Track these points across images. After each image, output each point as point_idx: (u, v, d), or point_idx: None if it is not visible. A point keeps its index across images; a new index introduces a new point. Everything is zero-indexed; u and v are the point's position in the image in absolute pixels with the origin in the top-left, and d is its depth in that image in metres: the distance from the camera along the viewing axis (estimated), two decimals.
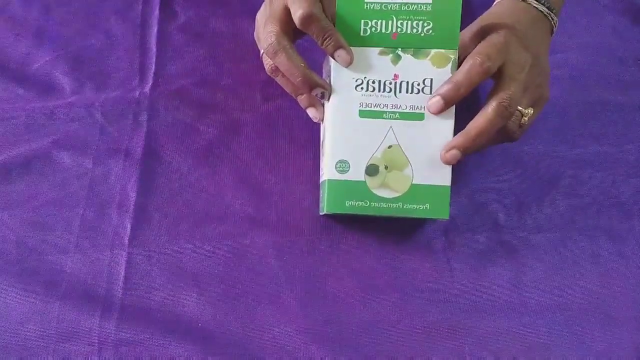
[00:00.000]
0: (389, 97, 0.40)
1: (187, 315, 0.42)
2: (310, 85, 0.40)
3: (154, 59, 0.53)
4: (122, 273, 0.44)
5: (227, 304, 0.43)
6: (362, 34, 0.39)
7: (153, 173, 0.48)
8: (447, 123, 0.40)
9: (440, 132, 0.40)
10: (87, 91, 0.51)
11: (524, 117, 0.41)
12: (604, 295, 0.43)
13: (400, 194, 0.40)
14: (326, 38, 0.39)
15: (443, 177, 0.40)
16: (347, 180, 0.40)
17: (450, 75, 0.39)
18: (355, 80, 0.40)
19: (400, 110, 0.40)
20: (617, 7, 0.56)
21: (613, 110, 0.51)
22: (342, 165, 0.40)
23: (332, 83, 0.40)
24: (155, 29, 0.54)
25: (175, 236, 0.45)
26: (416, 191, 0.40)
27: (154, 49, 0.53)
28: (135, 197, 0.46)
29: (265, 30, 0.40)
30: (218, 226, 0.45)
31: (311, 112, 0.43)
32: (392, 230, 0.45)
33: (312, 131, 0.49)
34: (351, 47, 0.39)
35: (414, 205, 0.40)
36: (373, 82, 0.40)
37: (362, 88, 0.40)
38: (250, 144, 0.49)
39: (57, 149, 0.49)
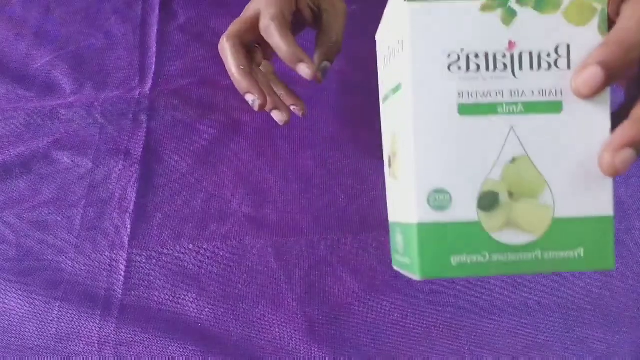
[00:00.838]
0: (504, 78, 0.26)
1: (187, 315, 0.42)
2: (241, 89, 0.39)
3: (154, 59, 0.53)
4: (122, 273, 0.44)
5: (227, 304, 0.43)
6: None
7: (153, 173, 0.48)
8: (601, 113, 0.26)
9: (591, 129, 0.26)
10: (87, 91, 0.51)
11: None
12: (604, 295, 0.43)
13: (537, 237, 0.26)
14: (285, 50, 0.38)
15: (601, 201, 0.26)
16: (449, 223, 0.25)
17: (600, 36, 0.25)
18: (447, 55, 0.25)
19: (523, 99, 0.26)
20: None
21: (613, 110, 0.51)
22: (439, 198, 0.25)
23: (409, 63, 0.25)
24: (155, 29, 0.54)
25: (175, 236, 0.45)
26: (560, 230, 0.26)
27: (154, 49, 0.53)
28: (135, 197, 0.46)
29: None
30: (218, 226, 0.45)
31: (275, 116, 0.41)
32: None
33: (312, 131, 0.49)
34: (435, 2, 0.25)
35: (560, 253, 0.26)
36: (476, 57, 0.25)
37: (459, 68, 0.25)
38: (250, 144, 0.49)
39: (57, 149, 0.49)
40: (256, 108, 0.38)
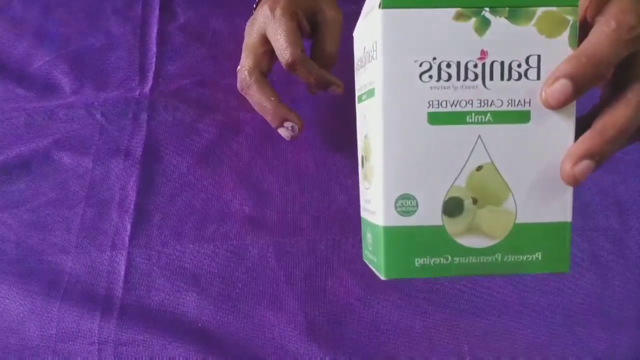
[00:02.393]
0: (474, 88, 0.26)
1: (187, 315, 0.42)
2: (280, 119, 0.41)
3: (154, 59, 0.53)
4: (122, 273, 0.44)
5: (227, 304, 0.43)
6: None
7: (153, 173, 0.48)
8: (566, 123, 0.26)
9: (556, 138, 0.26)
10: (87, 91, 0.51)
11: None
12: (604, 295, 0.43)
13: (498, 241, 0.27)
14: (314, 80, 0.39)
15: (561, 208, 0.27)
16: (414, 227, 0.26)
17: (570, 49, 0.26)
18: (419, 64, 0.26)
19: (492, 108, 0.26)
20: None
21: None
22: (406, 204, 0.26)
23: (381, 70, 0.26)
24: (155, 29, 0.54)
25: (176, 236, 0.45)
26: (520, 235, 0.26)
27: (154, 49, 0.53)
28: (135, 197, 0.46)
29: (241, 61, 0.42)
30: (218, 226, 0.45)
31: (282, 132, 0.42)
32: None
33: (312, 131, 0.49)
34: (409, 9, 0.25)
35: (519, 257, 0.27)
36: (448, 66, 0.26)
37: (430, 77, 0.26)
38: (250, 144, 0.49)
39: (57, 149, 0.49)
40: (295, 133, 0.39)
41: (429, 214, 0.26)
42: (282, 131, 0.42)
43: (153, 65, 0.52)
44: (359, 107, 0.31)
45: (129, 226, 0.45)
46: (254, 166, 0.48)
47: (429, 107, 0.26)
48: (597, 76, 0.25)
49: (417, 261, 0.26)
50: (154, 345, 0.41)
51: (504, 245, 0.27)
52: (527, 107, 0.26)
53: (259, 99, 0.41)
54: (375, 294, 0.43)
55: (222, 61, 0.53)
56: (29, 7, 0.56)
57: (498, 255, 0.27)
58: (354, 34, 0.32)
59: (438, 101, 0.26)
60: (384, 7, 0.25)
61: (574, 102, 0.26)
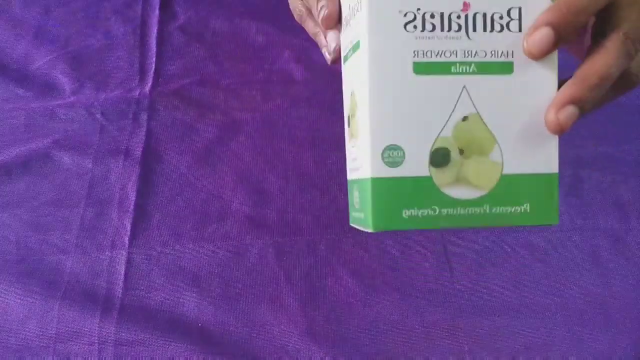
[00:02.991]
0: (458, 39, 0.26)
1: (187, 315, 0.42)
2: (321, 45, 0.35)
3: (154, 59, 0.53)
4: (122, 273, 0.44)
5: (227, 304, 0.43)
6: None
7: (153, 173, 0.48)
8: (549, 74, 0.26)
9: (539, 89, 0.26)
10: (87, 91, 0.51)
11: None
12: (604, 295, 0.43)
13: (485, 192, 0.26)
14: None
15: (547, 159, 0.27)
16: (401, 178, 0.26)
17: (549, 1, 0.26)
18: (403, 14, 0.26)
19: (476, 59, 0.26)
20: None
21: (613, 110, 0.51)
22: (393, 155, 0.26)
23: (366, 21, 0.26)
24: (155, 29, 0.54)
25: (175, 236, 0.45)
26: (508, 186, 0.26)
27: (154, 49, 0.53)
28: (135, 197, 0.46)
29: None
30: (218, 226, 0.45)
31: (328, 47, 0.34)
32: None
33: (312, 131, 0.49)
34: None
35: (507, 208, 0.27)
36: (432, 17, 0.26)
37: (415, 27, 0.26)
38: (250, 144, 0.49)
39: (57, 149, 0.49)
40: (327, 58, 0.34)
41: (416, 165, 0.26)
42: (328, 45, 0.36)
43: (153, 65, 0.52)
44: (345, 68, 0.31)
45: (128, 226, 0.45)
46: (254, 166, 0.48)
47: (414, 56, 0.26)
48: (576, 24, 0.25)
49: (405, 212, 0.26)
50: (154, 345, 0.41)
51: (491, 197, 0.26)
52: (510, 59, 0.26)
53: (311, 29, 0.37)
54: (375, 294, 0.43)
55: (222, 61, 0.53)
56: (29, 7, 0.56)
57: (486, 207, 0.26)
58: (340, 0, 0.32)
59: (423, 51, 0.26)
60: None
61: (556, 53, 0.26)
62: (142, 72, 0.52)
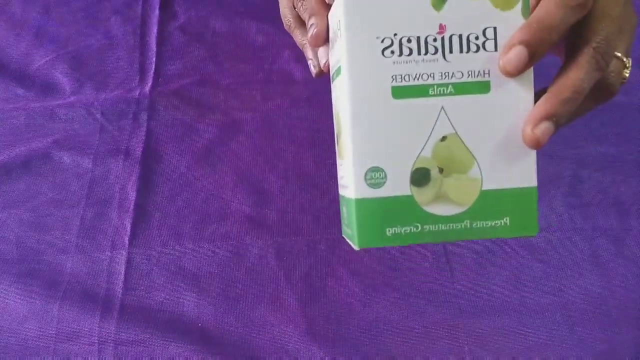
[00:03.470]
0: (434, 61, 0.27)
1: (187, 315, 0.42)
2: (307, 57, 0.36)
3: (154, 59, 0.53)
4: (122, 273, 0.44)
5: (227, 304, 0.43)
6: None
7: (153, 173, 0.48)
8: (525, 91, 0.27)
9: (516, 106, 0.27)
10: (87, 91, 0.51)
11: (626, 69, 0.30)
12: (604, 295, 0.43)
13: (465, 208, 0.27)
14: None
15: (525, 174, 0.27)
16: (384, 198, 0.27)
17: (523, 19, 0.27)
18: (380, 40, 0.27)
19: (453, 80, 0.27)
20: None
21: (613, 110, 0.51)
22: (375, 176, 0.27)
23: (344, 49, 0.27)
24: (155, 29, 0.54)
25: (175, 236, 0.45)
26: (488, 201, 0.27)
27: (154, 49, 0.53)
28: (135, 197, 0.46)
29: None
30: (218, 226, 0.45)
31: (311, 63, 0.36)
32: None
33: (312, 131, 0.49)
34: None
35: (487, 222, 0.28)
36: (409, 41, 0.27)
37: (392, 52, 0.27)
38: (250, 144, 0.49)
39: (57, 149, 0.49)
40: (312, 71, 0.35)
41: (397, 185, 0.27)
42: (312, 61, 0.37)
43: (153, 65, 0.52)
44: (333, 87, 0.32)
45: (128, 226, 0.45)
46: (254, 166, 0.48)
47: (392, 81, 0.27)
48: (548, 41, 0.26)
49: (389, 230, 0.27)
50: (154, 345, 0.41)
51: (472, 212, 0.27)
52: (487, 78, 0.27)
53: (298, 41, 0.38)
54: (375, 294, 0.43)
55: (222, 61, 0.53)
56: (29, 7, 0.56)
57: (467, 222, 0.27)
58: (328, 16, 0.32)
59: (401, 75, 0.27)
60: None
61: (531, 70, 0.27)
62: (142, 72, 0.52)
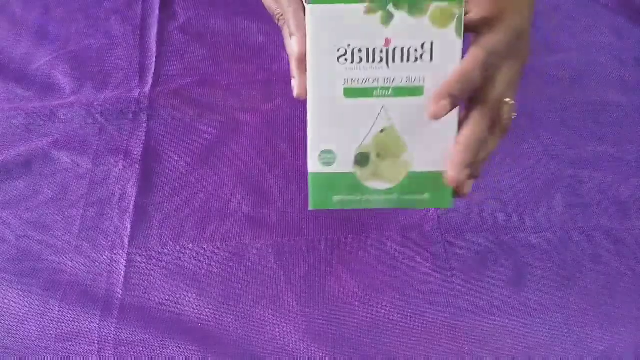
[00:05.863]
0: (379, 69, 0.32)
1: (187, 315, 0.42)
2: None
3: (154, 59, 0.53)
4: (122, 273, 0.44)
5: (227, 304, 0.43)
6: None
7: (153, 173, 0.48)
8: None
9: None
10: (87, 91, 0.51)
11: (513, 110, 0.36)
12: (604, 295, 0.43)
13: (395, 184, 0.35)
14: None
15: (444, 161, 0.34)
16: (333, 174, 0.34)
17: (455, 37, 0.32)
18: (337, 49, 0.32)
19: (394, 85, 0.33)
20: (617, 7, 0.56)
21: (613, 110, 0.51)
22: (327, 157, 0.34)
23: (308, 55, 0.33)
24: (155, 29, 0.54)
25: (175, 236, 0.45)
26: (413, 180, 0.34)
27: (154, 49, 0.53)
28: (135, 197, 0.46)
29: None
30: (218, 226, 0.45)
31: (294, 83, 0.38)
32: (392, 230, 0.45)
33: None
34: (329, 5, 0.31)
35: (412, 196, 0.35)
36: (360, 51, 0.32)
37: (346, 60, 0.32)
38: (250, 144, 0.49)
39: (57, 149, 0.49)
40: (294, 93, 0.37)
41: (344, 164, 0.34)
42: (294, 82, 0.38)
43: (153, 65, 0.52)
44: None
45: (128, 226, 0.45)
46: (254, 166, 0.48)
47: (344, 83, 0.33)
48: (467, 91, 0.33)
49: (335, 198, 0.35)
50: (154, 345, 0.41)
51: (400, 188, 0.35)
52: (421, 84, 0.32)
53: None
54: (375, 294, 0.43)
55: (222, 61, 0.53)
56: (29, 7, 0.56)
57: (395, 195, 0.35)
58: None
59: (352, 79, 0.32)
60: (311, 3, 0.31)
61: None
62: (142, 72, 0.52)
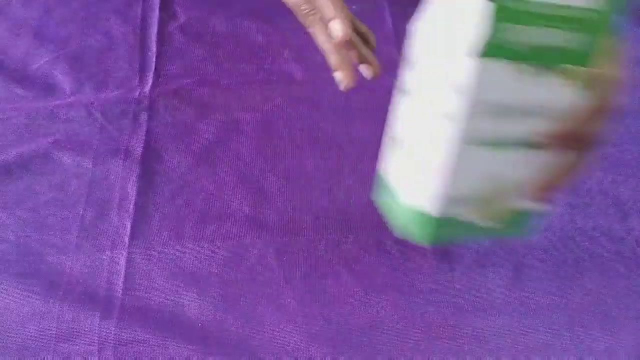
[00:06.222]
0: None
1: (187, 315, 0.42)
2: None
3: (154, 59, 0.53)
4: (122, 273, 0.44)
5: (227, 304, 0.43)
6: None
7: (153, 172, 0.48)
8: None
9: None
10: (87, 91, 0.51)
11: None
12: (604, 295, 0.43)
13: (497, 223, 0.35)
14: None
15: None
16: (457, 219, 0.34)
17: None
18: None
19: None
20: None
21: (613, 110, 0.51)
22: (457, 205, 0.33)
23: (463, 110, 0.29)
24: (155, 29, 0.54)
25: (176, 236, 0.45)
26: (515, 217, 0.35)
27: (154, 49, 0.53)
28: (135, 197, 0.46)
29: None
30: (218, 226, 0.45)
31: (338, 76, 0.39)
32: (392, 230, 0.45)
33: (312, 131, 0.49)
34: (499, 62, 0.28)
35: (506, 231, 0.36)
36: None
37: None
38: (250, 144, 0.49)
39: (57, 149, 0.49)
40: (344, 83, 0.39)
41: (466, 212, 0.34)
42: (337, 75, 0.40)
43: (153, 65, 0.52)
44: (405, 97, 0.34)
45: (128, 226, 0.45)
46: (254, 166, 0.48)
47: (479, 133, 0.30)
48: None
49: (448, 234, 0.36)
50: (154, 345, 0.41)
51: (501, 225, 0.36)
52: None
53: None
54: (375, 294, 0.43)
55: (222, 61, 0.53)
56: (29, 7, 0.56)
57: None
58: (413, 26, 0.32)
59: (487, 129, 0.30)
60: (482, 57, 0.27)
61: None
62: (142, 72, 0.52)
